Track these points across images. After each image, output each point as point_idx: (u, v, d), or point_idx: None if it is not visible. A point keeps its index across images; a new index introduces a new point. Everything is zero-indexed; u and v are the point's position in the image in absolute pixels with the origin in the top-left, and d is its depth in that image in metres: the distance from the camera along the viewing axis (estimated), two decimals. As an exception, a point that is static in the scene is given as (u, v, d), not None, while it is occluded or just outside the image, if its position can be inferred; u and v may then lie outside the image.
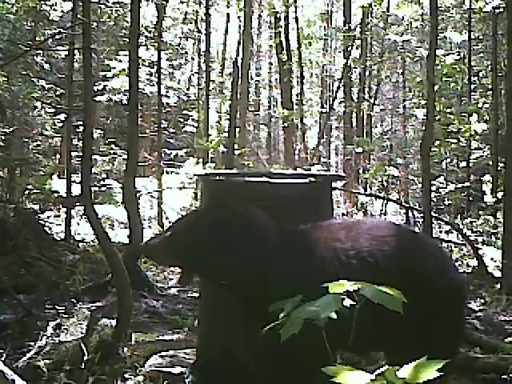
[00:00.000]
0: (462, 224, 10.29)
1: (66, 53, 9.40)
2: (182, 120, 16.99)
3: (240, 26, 14.59)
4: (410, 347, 2.21)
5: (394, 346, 2.32)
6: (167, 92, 13.21)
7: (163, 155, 11.59)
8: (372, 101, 16.17)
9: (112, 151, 12.27)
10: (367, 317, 1.90)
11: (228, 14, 17.09)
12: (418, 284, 2.19)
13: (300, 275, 2.30)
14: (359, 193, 12.52)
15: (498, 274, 6.43)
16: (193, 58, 19.82)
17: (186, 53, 19.51)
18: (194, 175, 11.32)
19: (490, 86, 13.30)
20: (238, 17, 14.89)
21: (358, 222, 2.85)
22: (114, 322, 3.76)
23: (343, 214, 12.34)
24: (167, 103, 13.39)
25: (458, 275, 2.64)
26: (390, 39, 13.68)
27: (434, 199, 11.26)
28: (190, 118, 16.33)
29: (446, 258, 2.58)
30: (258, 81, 22.41)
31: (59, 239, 7.29)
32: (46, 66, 11.26)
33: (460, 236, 8.28)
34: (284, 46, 14.89)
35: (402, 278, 2.15)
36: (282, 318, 1.96)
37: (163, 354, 3.34)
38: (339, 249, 2.35)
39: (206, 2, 12.69)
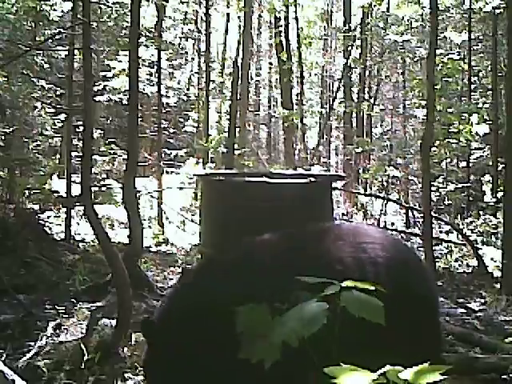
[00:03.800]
0: (462, 224, 10.29)
1: (66, 53, 9.40)
2: (182, 120, 17.00)
3: (240, 26, 14.58)
4: (386, 353, 2.18)
5: (372, 353, 2.29)
6: (167, 92, 13.23)
7: (163, 155, 11.59)
8: (372, 101, 16.18)
9: (112, 151, 12.26)
10: (345, 327, 1.88)
11: (228, 14, 17.08)
12: (391, 292, 2.13)
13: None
14: (359, 193, 12.54)
15: (498, 273, 6.44)
16: (193, 58, 19.83)
17: (186, 53, 19.53)
18: (194, 175, 11.32)
19: (490, 86, 13.31)
20: (238, 17, 14.87)
21: (332, 227, 2.71)
22: (113, 322, 3.76)
23: (343, 214, 12.36)
24: (167, 103, 13.40)
25: (431, 282, 2.61)
26: (390, 39, 13.70)
27: (434, 199, 11.27)
28: (190, 118, 16.33)
29: (418, 264, 2.56)
30: (258, 81, 22.42)
31: (59, 239, 7.28)
32: (46, 66, 11.25)
33: (460, 236, 8.28)
34: (284, 45, 14.88)
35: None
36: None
37: (163, 354, 3.33)
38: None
39: (206, 2, 12.70)
